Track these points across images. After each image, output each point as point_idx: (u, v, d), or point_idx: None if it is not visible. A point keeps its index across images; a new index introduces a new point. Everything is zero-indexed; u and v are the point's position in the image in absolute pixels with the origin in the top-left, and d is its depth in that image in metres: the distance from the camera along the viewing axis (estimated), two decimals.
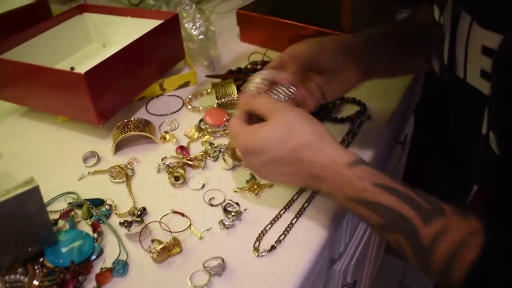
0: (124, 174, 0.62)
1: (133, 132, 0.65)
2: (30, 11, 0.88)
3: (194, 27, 0.85)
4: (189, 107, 0.76)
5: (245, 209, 0.56)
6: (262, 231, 0.53)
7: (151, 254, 0.50)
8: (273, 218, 0.55)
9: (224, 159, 0.63)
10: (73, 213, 0.56)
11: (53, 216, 0.55)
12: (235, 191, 0.59)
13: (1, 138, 0.73)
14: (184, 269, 0.49)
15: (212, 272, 0.48)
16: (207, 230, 0.54)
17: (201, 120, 0.72)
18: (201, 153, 0.65)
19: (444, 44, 0.45)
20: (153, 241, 0.52)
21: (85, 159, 0.66)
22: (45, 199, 0.51)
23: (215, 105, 0.74)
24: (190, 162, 0.63)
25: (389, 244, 0.48)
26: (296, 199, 0.57)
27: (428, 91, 1.25)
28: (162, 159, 0.65)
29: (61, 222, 0.55)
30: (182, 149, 0.66)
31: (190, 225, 0.54)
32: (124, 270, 0.49)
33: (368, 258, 1.12)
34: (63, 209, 0.57)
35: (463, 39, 0.41)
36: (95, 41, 0.91)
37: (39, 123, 0.75)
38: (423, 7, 0.62)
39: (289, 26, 0.87)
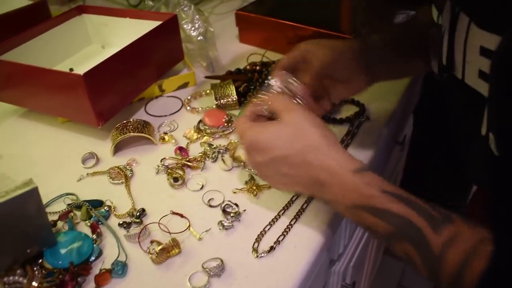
0: (123, 175, 0.62)
1: (132, 133, 0.65)
2: (29, 12, 0.87)
3: (193, 28, 0.85)
4: (188, 108, 0.76)
5: (244, 210, 0.56)
6: (261, 232, 0.53)
7: (150, 255, 0.50)
8: (272, 219, 0.55)
9: (223, 160, 0.63)
10: (72, 214, 0.56)
11: (52, 217, 0.55)
12: (234, 192, 0.59)
13: (0, 139, 0.73)
14: (183, 270, 0.49)
15: (211, 273, 0.48)
16: (206, 231, 0.54)
17: (200, 121, 0.72)
18: (200, 154, 0.65)
19: (442, 45, 0.45)
20: (152, 242, 0.52)
21: (84, 160, 0.66)
22: (44, 200, 0.51)
23: (214, 106, 0.75)
24: (189, 163, 0.63)
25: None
26: (295, 200, 0.57)
27: (427, 92, 1.25)
28: (161, 160, 0.65)
29: (60, 223, 0.55)
30: (181, 150, 0.66)
31: (189, 226, 0.54)
32: (123, 271, 0.49)
33: (367, 259, 1.12)
34: (62, 210, 0.57)
35: (461, 40, 0.41)
36: (94, 42, 0.91)
37: (38, 124, 0.75)
38: (424, 7, 0.62)
39: (288, 27, 0.87)
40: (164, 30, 0.76)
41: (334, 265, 0.78)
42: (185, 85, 0.83)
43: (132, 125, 0.67)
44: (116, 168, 0.63)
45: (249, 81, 0.78)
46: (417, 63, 0.62)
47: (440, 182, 1.50)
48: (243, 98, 0.75)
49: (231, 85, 0.75)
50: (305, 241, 0.52)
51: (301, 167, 0.47)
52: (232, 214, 0.55)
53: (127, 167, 0.64)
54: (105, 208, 0.57)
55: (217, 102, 0.74)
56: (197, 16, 0.86)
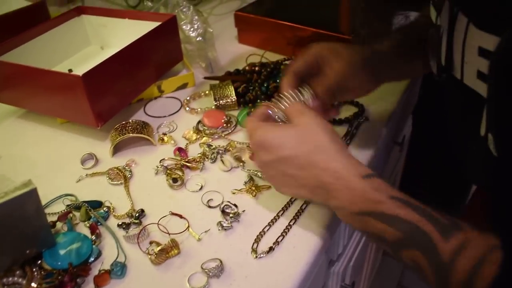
0: (122, 176, 0.62)
1: (131, 134, 0.65)
2: (28, 13, 0.87)
3: (192, 29, 0.85)
4: (187, 108, 0.76)
5: (243, 211, 0.56)
6: (260, 232, 0.53)
7: (149, 256, 0.50)
8: (271, 220, 0.55)
9: (222, 160, 0.63)
10: (71, 215, 0.56)
11: (51, 218, 0.55)
12: (233, 193, 0.59)
13: None
14: (182, 270, 0.49)
15: (210, 273, 0.48)
16: (205, 231, 0.54)
17: (199, 122, 0.72)
18: (199, 155, 0.65)
19: (441, 45, 0.46)
20: (151, 243, 0.52)
21: (83, 161, 0.66)
22: (43, 201, 0.51)
23: (213, 107, 0.75)
24: (188, 164, 0.63)
25: None
26: (294, 200, 0.57)
27: (426, 92, 1.25)
28: (160, 161, 0.65)
29: (59, 224, 0.55)
30: (180, 150, 0.66)
31: (188, 226, 0.54)
32: (122, 272, 0.49)
33: (367, 259, 1.12)
34: (61, 211, 0.57)
35: (460, 40, 0.41)
36: (93, 43, 0.91)
37: (37, 125, 0.75)
38: (426, 7, 0.62)
39: (287, 28, 0.87)
40: (163, 31, 0.76)
41: (334, 266, 0.78)
42: (184, 86, 0.83)
43: (131, 126, 0.67)
44: (115, 169, 0.63)
45: (248, 81, 0.78)
46: (416, 64, 0.62)
47: (439, 182, 1.51)
48: (242, 98, 0.75)
49: (230, 86, 0.75)
50: (304, 241, 0.52)
51: (307, 169, 0.47)
52: (231, 215, 0.55)
53: (126, 168, 0.64)
54: (104, 209, 0.57)
55: (216, 103, 0.74)
56: (196, 17, 0.86)
